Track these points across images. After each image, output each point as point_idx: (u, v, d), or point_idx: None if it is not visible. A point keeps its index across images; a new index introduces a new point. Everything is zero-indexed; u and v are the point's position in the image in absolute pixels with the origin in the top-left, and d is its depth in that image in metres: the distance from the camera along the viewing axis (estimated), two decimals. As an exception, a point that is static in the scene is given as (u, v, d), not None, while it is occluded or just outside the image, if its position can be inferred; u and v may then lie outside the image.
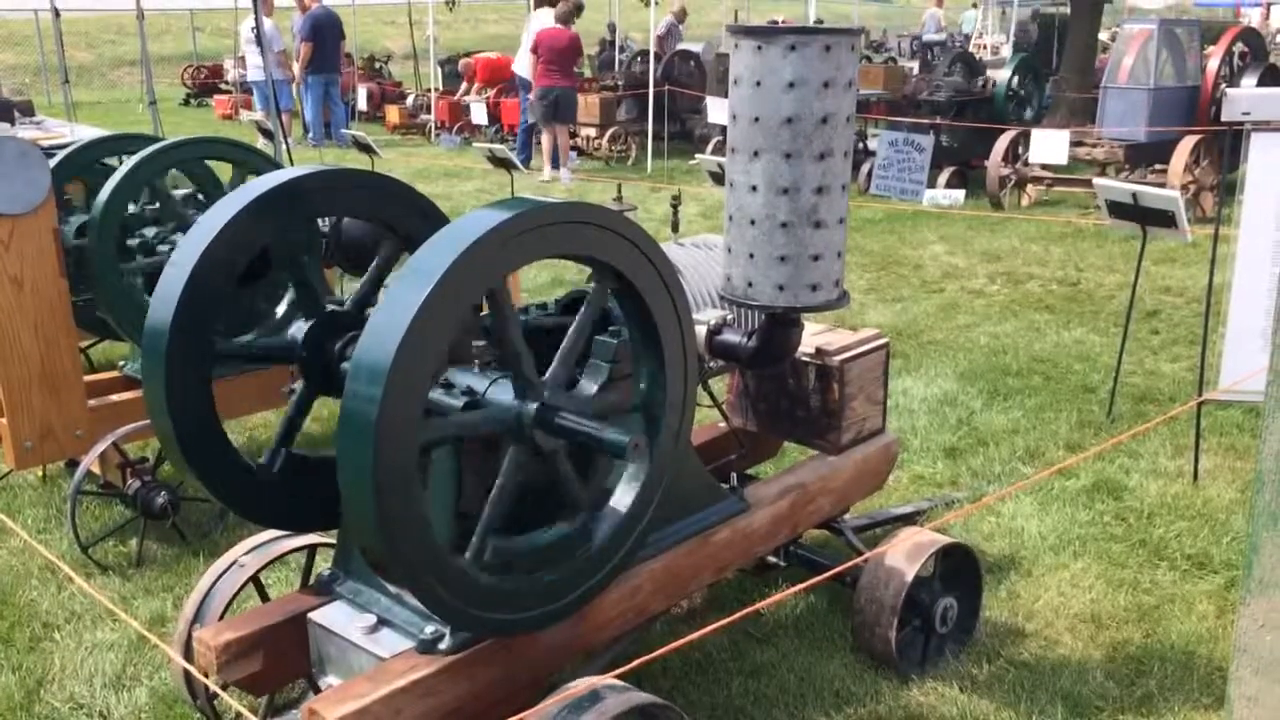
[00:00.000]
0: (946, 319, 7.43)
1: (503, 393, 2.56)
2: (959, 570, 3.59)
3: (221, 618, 3.08)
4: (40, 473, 5.01)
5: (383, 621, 2.70)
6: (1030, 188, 11.45)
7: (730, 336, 3.09)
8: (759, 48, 2.74)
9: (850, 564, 3.77)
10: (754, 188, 2.82)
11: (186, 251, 2.72)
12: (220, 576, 3.15)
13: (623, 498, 2.78)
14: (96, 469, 4.37)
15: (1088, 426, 5.47)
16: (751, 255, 2.85)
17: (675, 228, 3.51)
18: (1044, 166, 11.09)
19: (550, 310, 3.15)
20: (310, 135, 16.59)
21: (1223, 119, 4.60)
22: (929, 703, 3.32)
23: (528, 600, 2.60)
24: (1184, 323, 7.15)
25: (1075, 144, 10.89)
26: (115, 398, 4.66)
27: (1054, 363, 6.43)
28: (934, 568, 3.51)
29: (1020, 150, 11.18)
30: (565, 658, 2.87)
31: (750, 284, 2.87)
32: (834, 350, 3.59)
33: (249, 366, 4.54)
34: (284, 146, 10.04)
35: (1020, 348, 6.72)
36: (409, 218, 3.04)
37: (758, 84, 2.76)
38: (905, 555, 3.45)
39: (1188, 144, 10.21)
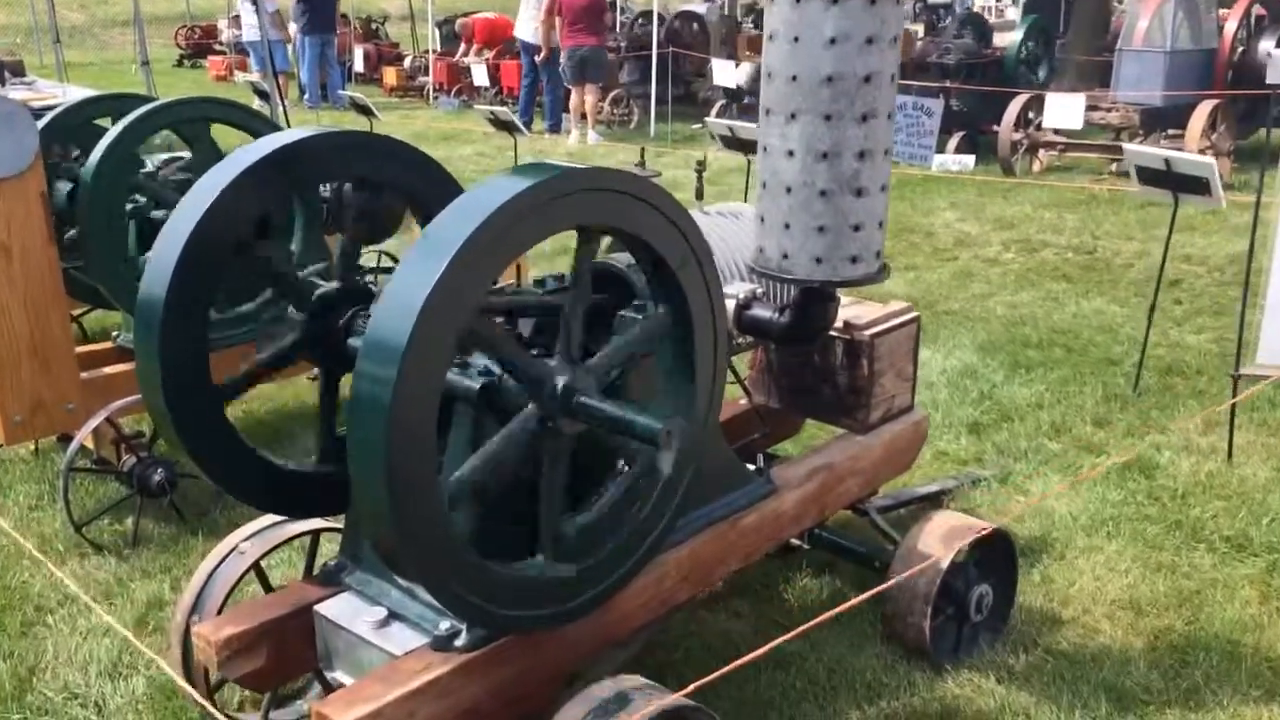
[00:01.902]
0: (961, 288, 7.25)
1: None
2: (994, 555, 3.43)
3: (222, 608, 2.92)
4: (32, 447, 4.83)
5: (394, 615, 2.54)
6: (1042, 153, 11.23)
7: (761, 311, 2.91)
8: (797, 0, 2.54)
9: (879, 549, 3.62)
10: (790, 152, 2.62)
11: (182, 218, 2.53)
12: (220, 564, 2.98)
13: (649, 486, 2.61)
14: (90, 444, 4.19)
15: (1113, 400, 5.30)
16: (787, 225, 2.66)
17: (700, 194, 3.32)
18: (1057, 131, 10.86)
19: (567, 284, 2.96)
20: (307, 97, 16.31)
21: (1268, 81, 4.39)
22: (965, 695, 3.17)
23: (549, 595, 2.43)
24: (1206, 292, 6.97)
25: (1089, 108, 10.65)
26: (109, 370, 4.48)
27: (1075, 334, 6.25)
28: (968, 553, 3.34)
29: (1032, 115, 10.95)
30: (588, 652, 2.71)
31: (785, 256, 2.69)
32: (863, 324, 3.41)
33: (249, 335, 4.36)
34: (280, 108, 9.81)
35: (1039, 318, 6.54)
36: (420, 183, 2.85)
37: (795, 40, 2.57)
38: (939, 541, 3.28)
39: (1205, 108, 9.99)
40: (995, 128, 11.05)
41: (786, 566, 3.80)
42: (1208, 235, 8.35)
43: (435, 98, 17.20)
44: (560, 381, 2.32)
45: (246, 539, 3.01)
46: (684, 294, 2.54)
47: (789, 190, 2.65)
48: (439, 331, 2.04)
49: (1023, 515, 4.18)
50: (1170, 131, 10.63)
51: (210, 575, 2.97)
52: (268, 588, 3.07)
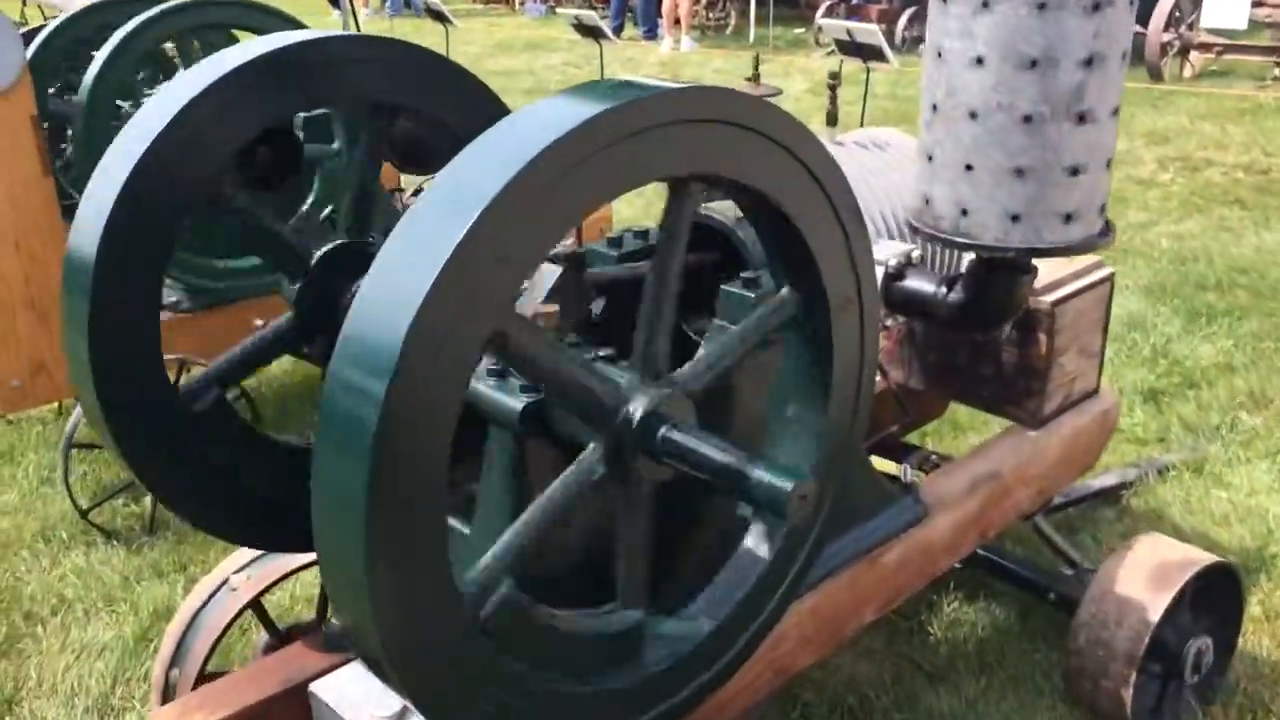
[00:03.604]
0: (1115, 216, 6.23)
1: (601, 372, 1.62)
2: (1214, 594, 2.61)
3: (207, 661, 2.27)
4: (56, 407, 4.26)
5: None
6: (1195, 55, 9.96)
7: (920, 284, 2.10)
8: None
9: (1054, 575, 2.83)
10: (979, 59, 1.79)
11: (129, 143, 1.83)
12: (205, 603, 2.32)
13: (758, 546, 1.85)
14: (97, 415, 3.57)
15: (1321, 360, 4.36)
16: (969, 167, 1.84)
17: (832, 120, 2.48)
18: (1213, 31, 9.59)
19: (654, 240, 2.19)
20: (388, 3, 15.54)
21: None
22: (1179, 790, 2.39)
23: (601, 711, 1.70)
24: None
25: (1254, 4, 9.36)
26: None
27: (1260, 273, 5.26)
28: (1182, 594, 2.53)
29: (1182, 13, 9.68)
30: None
31: (965, 211, 1.87)
32: (1043, 287, 2.56)
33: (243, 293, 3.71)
34: (352, 17, 9.06)
35: (1213, 253, 5.55)
36: (448, 102, 2.09)
37: (990, -112, 1.71)
38: (1146, 580, 2.48)
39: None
40: (1141, 29, 9.80)
41: (929, 586, 3.03)
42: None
43: (522, 3, 16.29)
44: (638, 406, 1.55)
45: (239, 570, 2.35)
46: (818, 267, 1.74)
47: (973, 116, 1.82)
48: (453, 333, 1.28)
49: (1226, 516, 3.33)
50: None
51: (194, 618, 2.32)
52: (273, 631, 2.41)
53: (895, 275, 2.09)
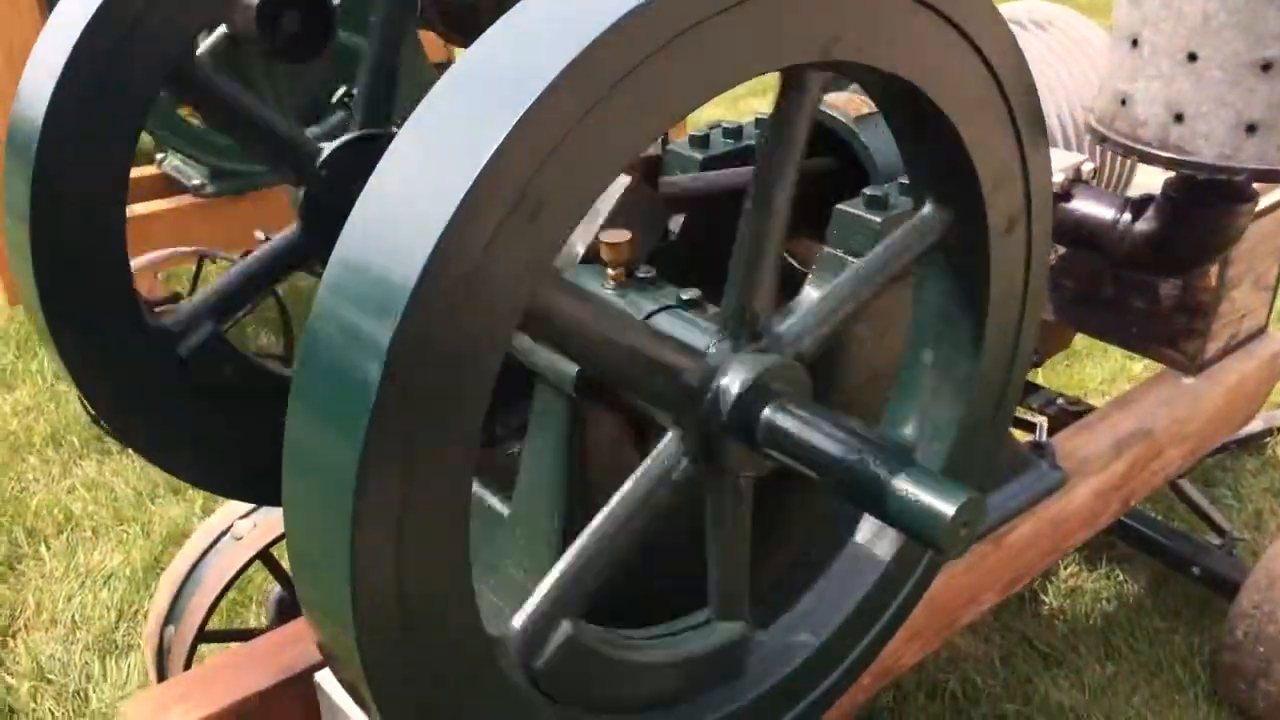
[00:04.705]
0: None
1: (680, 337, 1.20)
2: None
3: (207, 619, 1.94)
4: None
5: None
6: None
7: (1093, 208, 1.63)
8: None
9: (1196, 546, 2.41)
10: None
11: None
12: (205, 553, 1.98)
13: (878, 544, 1.45)
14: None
15: None
16: (1192, 56, 1.36)
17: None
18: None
19: (752, 139, 1.75)
20: None
21: None
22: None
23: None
24: None
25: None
26: (142, 208, 3.45)
27: None
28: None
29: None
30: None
31: (1179, 116, 1.39)
32: (1217, 206, 2.08)
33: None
34: None
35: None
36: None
37: None
38: (1327, 568, 2.05)
39: None
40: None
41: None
42: None
43: None
44: (733, 380, 1.13)
45: (244, 516, 1.99)
46: (979, 180, 1.29)
47: (1201, -15, 1.33)
48: (487, 280, 0.86)
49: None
50: None
51: (192, 569, 1.98)
52: (288, 584, 2.07)
53: (1063, 194, 1.62)
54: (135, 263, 2.75)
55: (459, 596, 0.99)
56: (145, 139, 4.93)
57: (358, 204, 0.91)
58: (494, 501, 1.48)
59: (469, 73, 0.92)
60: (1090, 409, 2.45)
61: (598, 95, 0.88)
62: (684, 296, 1.34)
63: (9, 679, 2.40)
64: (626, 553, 1.12)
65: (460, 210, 0.83)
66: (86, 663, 2.45)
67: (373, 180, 0.90)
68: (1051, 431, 2.21)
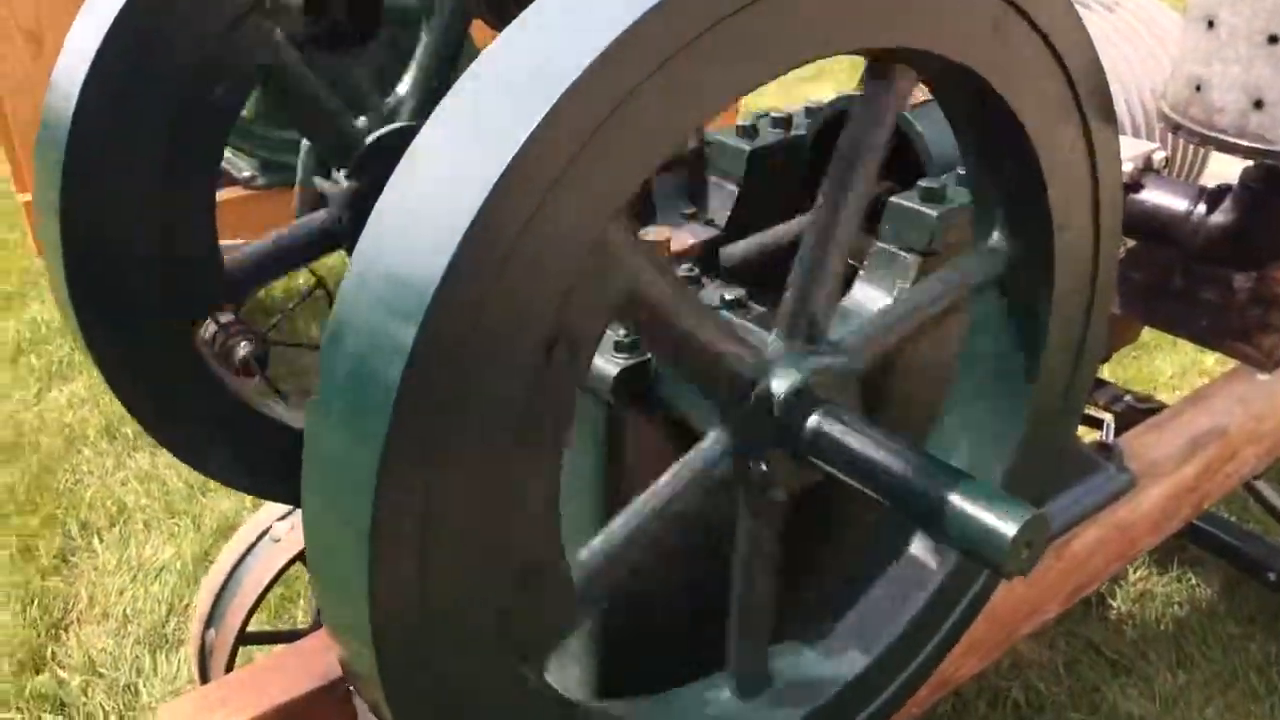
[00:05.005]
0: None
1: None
2: None
3: (246, 622, 1.92)
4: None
5: None
6: None
7: (1165, 199, 1.54)
8: None
9: (1271, 549, 2.30)
10: None
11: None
12: (244, 556, 1.96)
13: (926, 555, 1.38)
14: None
15: None
16: (1273, 39, 1.26)
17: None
18: None
19: (803, 129, 1.68)
20: None
21: None
22: None
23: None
24: None
25: None
26: (193, 200, 3.45)
27: None
28: None
29: None
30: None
31: (1259, 103, 1.29)
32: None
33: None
34: None
35: None
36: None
37: None
38: None
39: None
40: None
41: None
42: None
43: None
44: (782, 381, 1.07)
45: (282, 518, 1.97)
46: (1043, 175, 1.22)
47: (1285, -41, 1.24)
48: (518, 271, 0.81)
49: None
50: None
51: (232, 572, 1.96)
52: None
53: (1132, 185, 1.53)
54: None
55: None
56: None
57: (382, 195, 0.86)
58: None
59: (499, 60, 0.86)
60: (1161, 406, 2.35)
61: (648, 75, 0.82)
62: (727, 296, 1.29)
63: (61, 672, 2.41)
64: (645, 553, 1.06)
65: (488, 203, 0.77)
66: (137, 656, 2.46)
67: (398, 170, 0.85)
68: (1119, 430, 2.12)
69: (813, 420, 1.07)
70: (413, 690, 0.92)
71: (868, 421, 1.07)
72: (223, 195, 3.49)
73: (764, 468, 1.10)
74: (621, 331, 1.22)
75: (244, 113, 3.39)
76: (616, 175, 0.84)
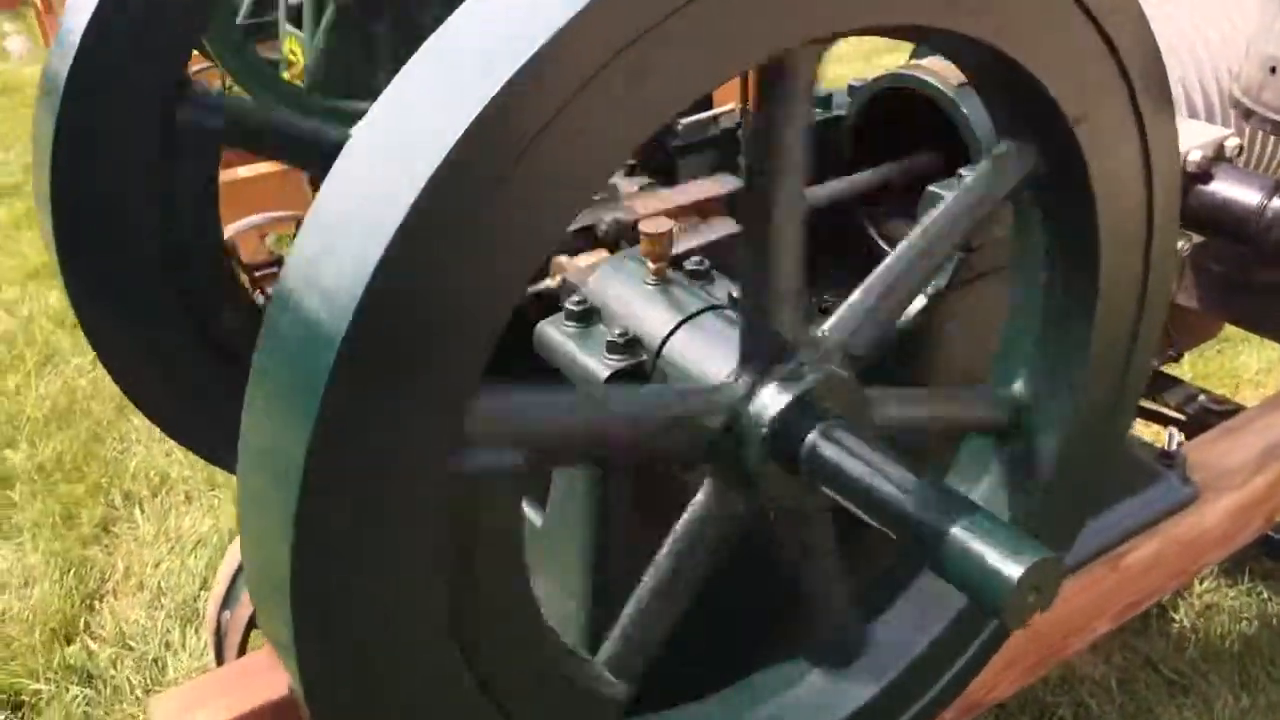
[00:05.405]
0: None
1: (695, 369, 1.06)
2: None
3: (261, 606, 1.87)
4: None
5: None
6: None
7: (1236, 191, 1.39)
8: None
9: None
10: None
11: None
12: (261, 537, 1.91)
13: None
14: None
15: None
16: (1362, 8, 1.12)
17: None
18: None
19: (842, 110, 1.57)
20: None
21: None
22: None
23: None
24: None
25: None
26: (246, 170, 3.43)
27: None
28: None
29: None
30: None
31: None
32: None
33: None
34: None
35: None
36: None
37: None
38: None
39: None
40: None
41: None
42: None
43: None
44: (764, 406, 0.97)
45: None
46: (1086, 165, 1.09)
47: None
48: (474, 268, 0.74)
49: None
50: None
51: (248, 553, 1.91)
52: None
53: (1199, 175, 1.39)
54: (234, 226, 2.71)
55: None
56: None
57: (328, 176, 0.78)
58: (529, 512, 1.35)
59: (457, 29, 0.77)
60: (1237, 409, 2.19)
61: (614, 54, 0.73)
62: (736, 294, 1.19)
63: (91, 644, 2.41)
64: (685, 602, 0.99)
65: (427, 189, 0.69)
66: (168, 630, 2.45)
67: (343, 153, 0.77)
68: (1192, 433, 1.98)
69: (810, 439, 0.96)
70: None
71: (868, 440, 0.96)
72: (276, 166, 3.46)
73: (775, 497, 1.01)
74: (616, 331, 1.12)
75: (297, 82, 3.36)
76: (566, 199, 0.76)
